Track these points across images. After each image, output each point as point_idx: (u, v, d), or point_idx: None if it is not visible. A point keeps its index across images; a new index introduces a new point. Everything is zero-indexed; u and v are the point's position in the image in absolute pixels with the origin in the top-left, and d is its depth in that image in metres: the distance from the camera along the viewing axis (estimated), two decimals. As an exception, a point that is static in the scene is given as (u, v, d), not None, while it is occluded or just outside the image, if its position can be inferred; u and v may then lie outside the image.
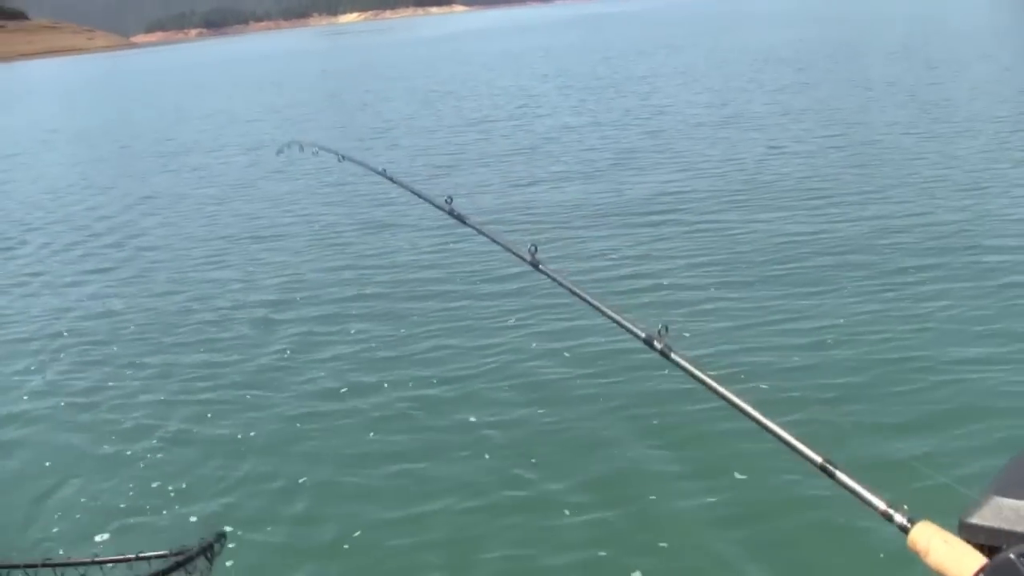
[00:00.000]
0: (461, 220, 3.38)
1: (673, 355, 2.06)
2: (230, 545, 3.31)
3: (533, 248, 2.73)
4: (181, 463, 8.15)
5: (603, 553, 6.27)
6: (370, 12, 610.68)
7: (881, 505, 1.41)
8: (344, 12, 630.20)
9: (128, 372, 10.53)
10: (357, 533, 6.83)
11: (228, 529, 3.45)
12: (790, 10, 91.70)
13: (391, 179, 4.45)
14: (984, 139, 18.55)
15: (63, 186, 24.93)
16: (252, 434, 8.57)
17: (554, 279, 2.63)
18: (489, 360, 9.70)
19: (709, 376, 1.90)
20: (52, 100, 72.49)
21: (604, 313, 2.37)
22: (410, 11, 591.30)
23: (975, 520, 1.31)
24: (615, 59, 50.44)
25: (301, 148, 7.22)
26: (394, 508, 7.09)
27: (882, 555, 5.52)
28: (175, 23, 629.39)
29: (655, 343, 2.13)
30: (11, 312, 13.44)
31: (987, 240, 11.97)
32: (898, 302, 10.08)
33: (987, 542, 1.29)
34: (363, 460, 7.91)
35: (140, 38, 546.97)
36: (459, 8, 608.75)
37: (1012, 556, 1.12)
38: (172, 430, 8.86)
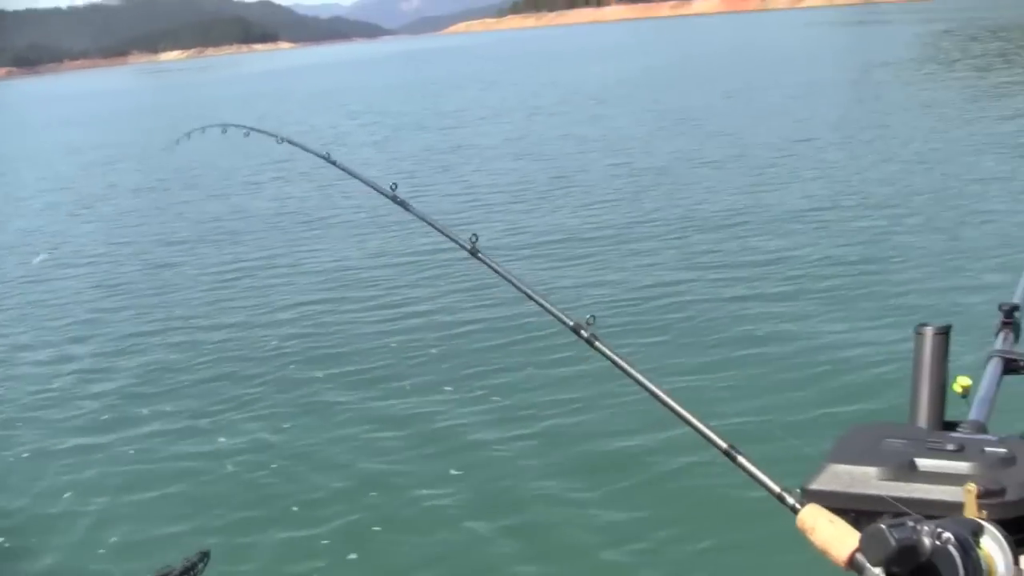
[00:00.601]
0: (404, 206, 3.32)
1: (597, 343, 2.13)
2: (213, 564, 3.34)
3: (474, 237, 2.77)
4: (161, 485, 8.16)
5: (529, 525, 6.92)
6: (193, 49, 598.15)
7: (776, 488, 1.49)
8: (165, 50, 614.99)
9: (88, 395, 10.51)
10: (341, 546, 6.96)
11: (211, 548, 3.52)
12: (615, 45, 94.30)
13: (334, 163, 4.19)
14: (756, 163, 20.45)
15: None
16: (232, 452, 8.64)
17: (492, 267, 2.64)
18: (424, 344, 10.42)
19: (628, 363, 1.96)
20: None
21: (537, 302, 2.41)
22: (234, 48, 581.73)
23: (814, 486, 1.48)
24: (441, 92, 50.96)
25: (224, 130, 6.06)
26: (373, 518, 7.27)
27: (776, 535, 5.82)
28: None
29: (582, 331, 2.18)
30: None
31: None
32: (793, 300, 11.40)
33: (827, 504, 1.44)
34: (337, 467, 8.11)
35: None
36: (285, 45, 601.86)
37: (882, 525, 1.22)
38: (152, 450, 8.88)
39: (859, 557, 1.30)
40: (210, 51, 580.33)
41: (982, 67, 39.92)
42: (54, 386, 10.95)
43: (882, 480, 1.45)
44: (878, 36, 78.59)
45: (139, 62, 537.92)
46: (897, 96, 31.62)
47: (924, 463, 1.46)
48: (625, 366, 1.99)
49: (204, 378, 10.59)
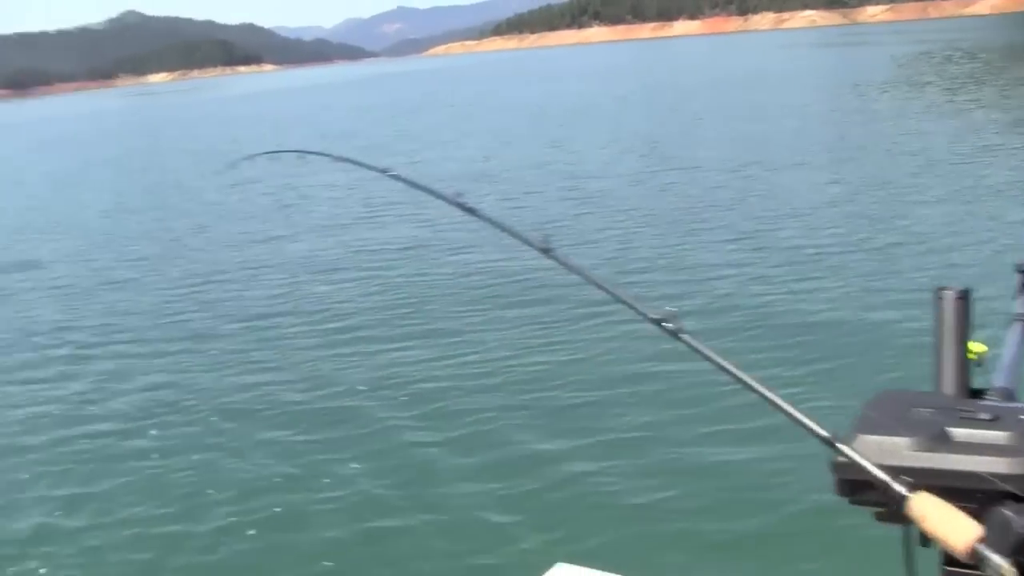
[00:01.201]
0: (472, 212, 3.15)
1: (684, 335, 1.98)
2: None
3: (545, 236, 2.64)
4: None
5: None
6: (178, 72, 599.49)
7: (883, 476, 1.41)
8: (151, 72, 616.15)
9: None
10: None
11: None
12: (595, 67, 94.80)
13: (397, 177, 3.87)
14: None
15: None
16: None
17: (566, 265, 2.50)
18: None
19: (720, 355, 1.83)
20: None
21: (616, 297, 2.25)
22: (219, 71, 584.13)
23: (842, 459, 1.43)
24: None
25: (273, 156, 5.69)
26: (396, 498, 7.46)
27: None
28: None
29: (666, 324, 2.03)
30: None
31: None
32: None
33: (854, 476, 1.42)
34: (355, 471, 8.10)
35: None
36: (268, 67, 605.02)
37: (1006, 512, 1.20)
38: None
39: (979, 547, 1.24)
40: (195, 73, 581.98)
41: (951, 88, 40.28)
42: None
43: (913, 451, 1.41)
44: (857, 57, 79.41)
45: (126, 84, 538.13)
46: (881, 111, 32.88)
47: (957, 433, 1.41)
48: (715, 357, 1.86)
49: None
